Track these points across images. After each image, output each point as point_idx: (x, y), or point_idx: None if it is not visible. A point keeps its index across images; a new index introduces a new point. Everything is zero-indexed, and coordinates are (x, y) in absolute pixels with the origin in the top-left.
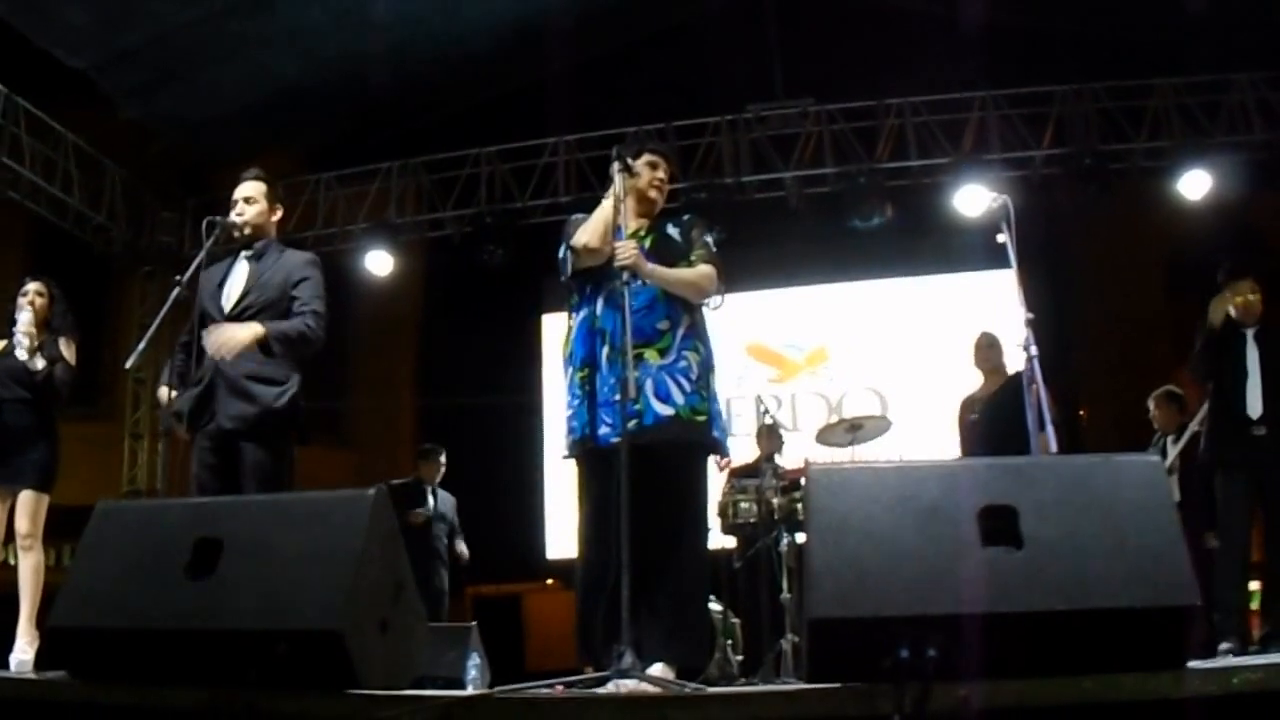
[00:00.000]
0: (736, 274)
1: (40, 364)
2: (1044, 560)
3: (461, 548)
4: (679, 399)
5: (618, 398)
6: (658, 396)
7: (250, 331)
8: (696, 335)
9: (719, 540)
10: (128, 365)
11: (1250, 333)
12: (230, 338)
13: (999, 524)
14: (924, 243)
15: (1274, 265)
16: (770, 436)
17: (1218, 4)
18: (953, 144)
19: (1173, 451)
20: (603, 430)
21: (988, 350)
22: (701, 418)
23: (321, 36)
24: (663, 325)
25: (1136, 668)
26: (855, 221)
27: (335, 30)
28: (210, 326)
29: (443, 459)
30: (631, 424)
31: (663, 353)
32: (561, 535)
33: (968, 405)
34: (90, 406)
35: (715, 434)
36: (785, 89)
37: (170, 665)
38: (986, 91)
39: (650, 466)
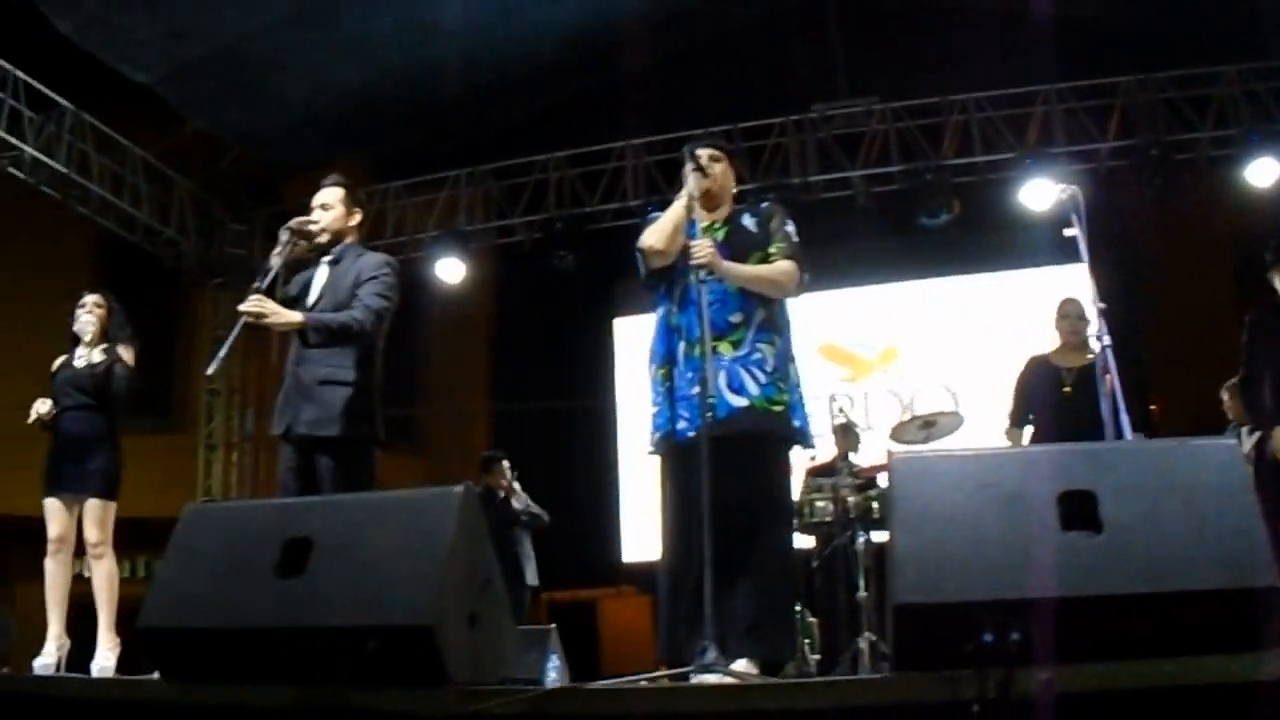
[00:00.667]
0: (808, 274)
1: (99, 357)
2: (1123, 544)
3: (538, 511)
4: (753, 390)
5: (694, 391)
6: (731, 389)
7: (286, 317)
8: (773, 327)
9: (797, 539)
10: (209, 372)
11: None
12: (274, 311)
13: (1078, 509)
14: (991, 239)
15: None
16: (846, 435)
17: None
18: (1018, 139)
19: (1248, 442)
20: (681, 425)
21: (1078, 321)
22: (778, 408)
23: (387, 45)
24: (735, 319)
25: (1216, 650)
26: (923, 219)
27: (401, 38)
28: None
29: (505, 464)
30: (707, 417)
31: (736, 345)
32: (637, 538)
33: (1052, 373)
34: (163, 418)
35: (795, 424)
36: (849, 88)
37: (261, 664)
38: (1050, 85)
39: (727, 459)
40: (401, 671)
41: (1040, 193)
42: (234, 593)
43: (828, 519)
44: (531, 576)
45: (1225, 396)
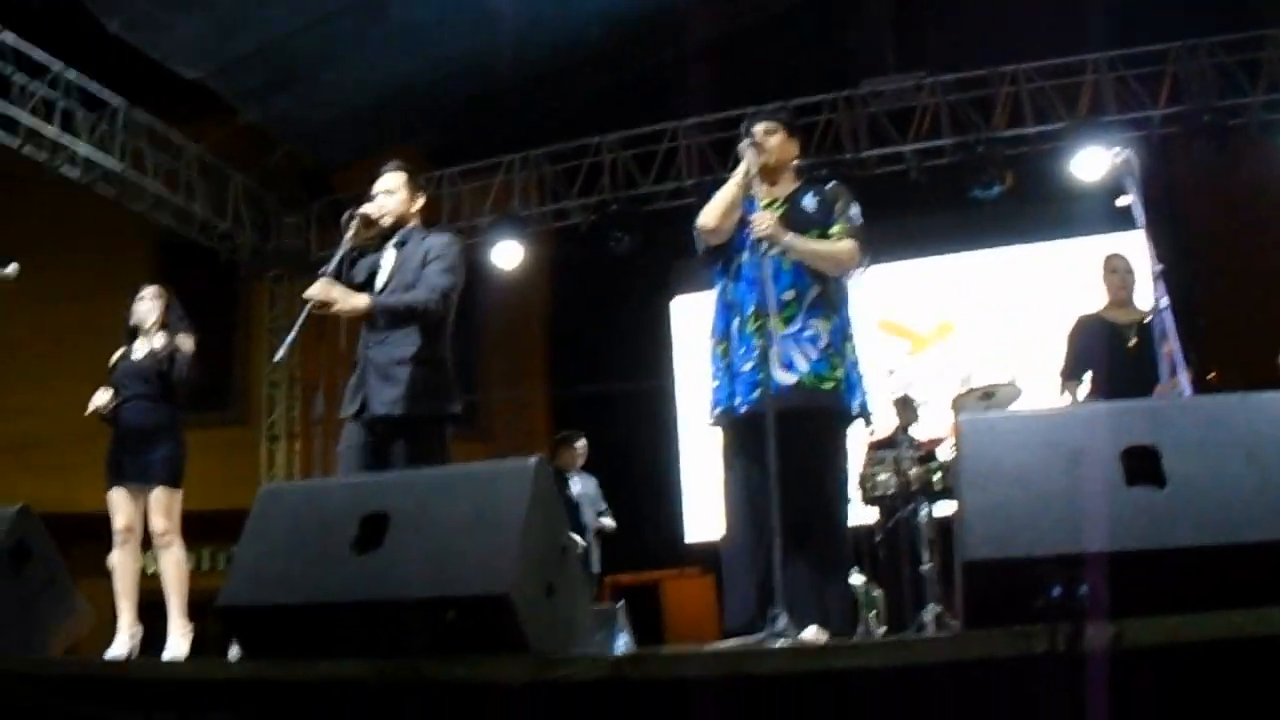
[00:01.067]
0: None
1: (160, 341)
2: (1187, 497)
3: (607, 522)
4: (803, 366)
5: (746, 367)
6: (782, 365)
7: (353, 302)
8: (827, 304)
9: (862, 512)
10: (276, 359)
11: None
12: (340, 297)
13: (1141, 464)
14: (1045, 209)
15: None
16: (905, 408)
17: None
18: (1069, 109)
19: None
20: (736, 400)
21: (1126, 275)
22: (828, 385)
23: (437, 33)
24: (788, 296)
25: None
26: (976, 191)
27: (450, 26)
28: (325, 281)
29: (579, 445)
30: (756, 393)
31: (787, 322)
32: (700, 519)
33: (1108, 329)
34: (222, 411)
35: (849, 401)
36: (898, 63)
37: (341, 638)
38: (1100, 54)
39: (780, 434)
40: (480, 642)
41: (1092, 162)
42: (312, 569)
43: (890, 492)
44: (595, 563)
45: None
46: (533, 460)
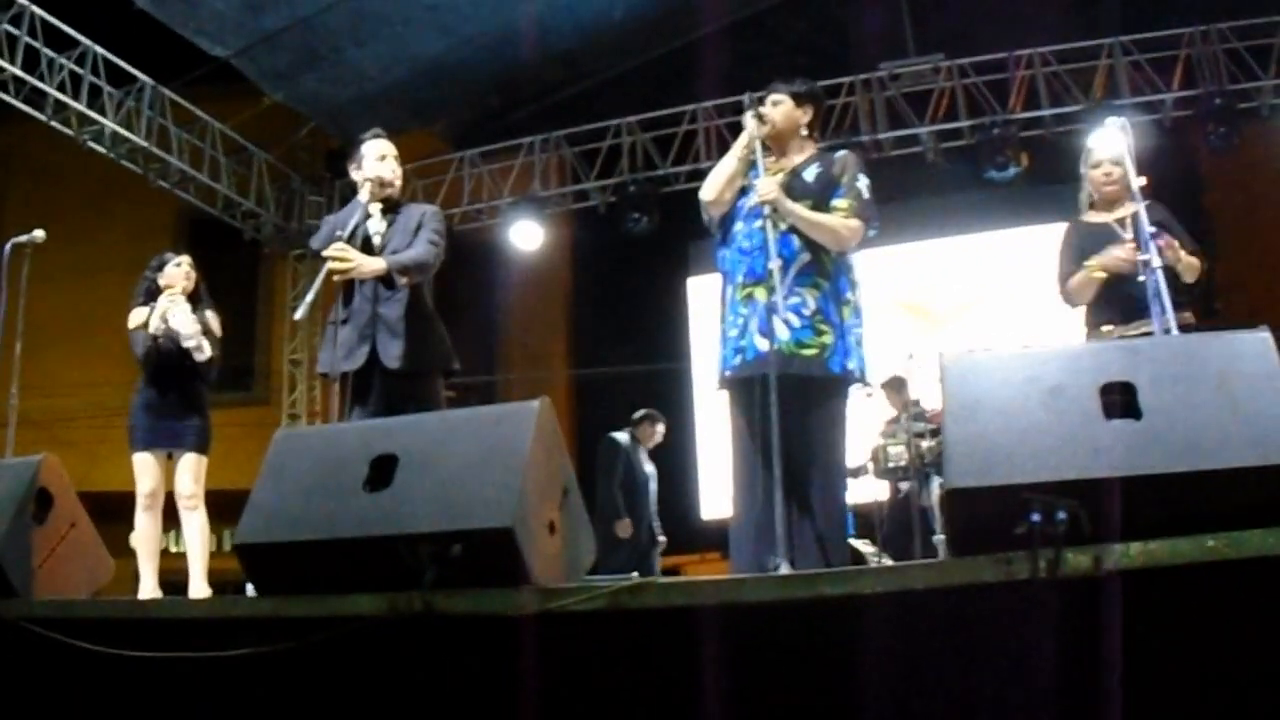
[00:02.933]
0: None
1: (194, 329)
2: (1162, 428)
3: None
4: (783, 335)
5: (733, 334)
6: (760, 332)
7: (371, 265)
8: (818, 271)
9: (876, 485)
10: (297, 316)
11: None
12: (361, 262)
13: (1119, 398)
14: (1060, 190)
15: None
16: (898, 390)
17: None
18: (1083, 92)
19: None
20: (723, 367)
21: (1113, 166)
22: (809, 351)
23: (461, 13)
24: (774, 264)
25: (1256, 525)
26: (991, 173)
27: (475, 7)
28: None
29: (660, 426)
30: (737, 359)
31: (771, 291)
32: (717, 498)
33: (1106, 231)
34: (245, 391)
35: (834, 367)
36: (916, 46)
37: (351, 573)
38: (1114, 38)
39: (766, 400)
40: (485, 575)
41: (1104, 142)
42: (324, 507)
43: (902, 464)
44: (659, 531)
45: None
46: (536, 402)
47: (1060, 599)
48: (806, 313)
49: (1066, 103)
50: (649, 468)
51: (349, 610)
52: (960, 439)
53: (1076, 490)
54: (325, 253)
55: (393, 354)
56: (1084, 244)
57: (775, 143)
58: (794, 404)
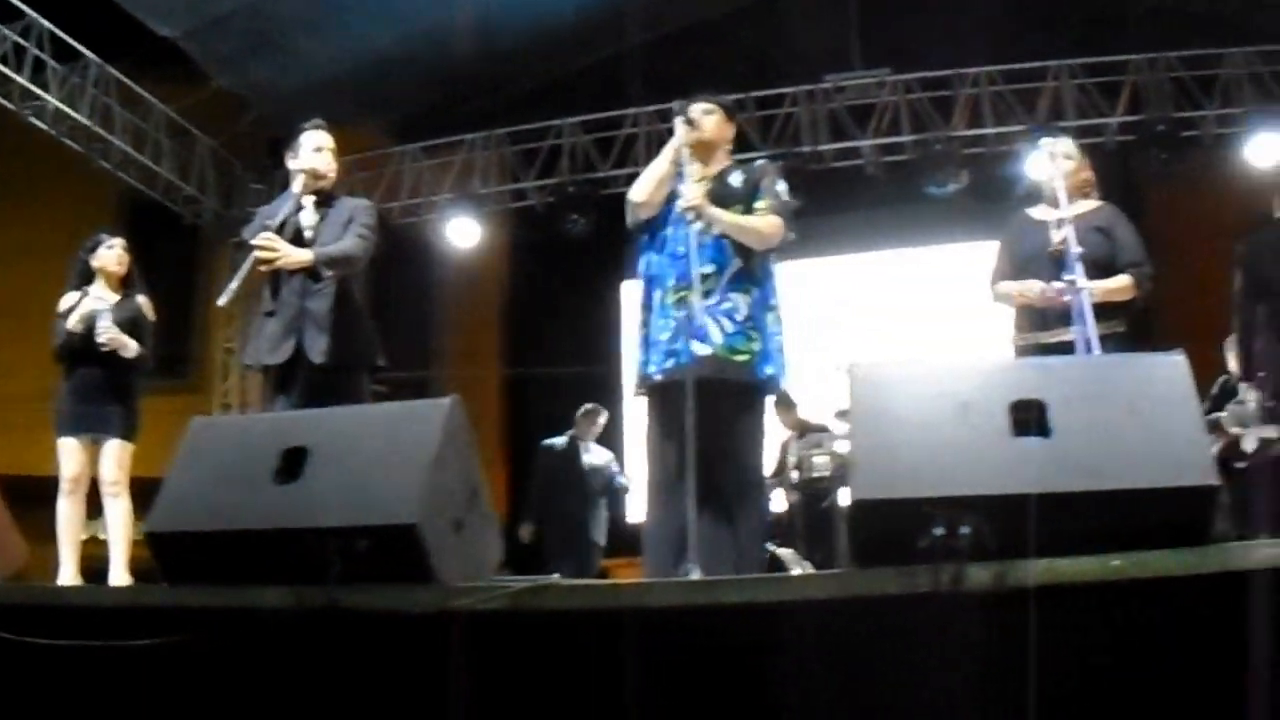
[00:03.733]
0: (814, 240)
1: (120, 300)
2: (1071, 447)
3: (622, 480)
4: (717, 339)
5: (664, 337)
6: (695, 337)
7: (298, 256)
8: (749, 278)
9: (798, 494)
10: (221, 302)
11: None
12: (288, 253)
13: (1028, 416)
14: (999, 207)
15: None
16: (785, 408)
17: None
18: (1028, 112)
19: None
20: (651, 369)
21: (1064, 160)
22: (741, 357)
23: (413, 6)
24: (708, 269)
25: (1161, 546)
26: (931, 188)
27: (423, 1)
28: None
29: (601, 419)
30: (670, 362)
31: (707, 294)
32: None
33: (1040, 228)
34: (180, 379)
35: (760, 374)
36: (863, 59)
37: (258, 565)
38: (1062, 61)
39: (694, 404)
40: (390, 571)
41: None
42: (234, 498)
43: (826, 473)
44: (599, 535)
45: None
46: (446, 400)
47: (967, 615)
48: (739, 318)
49: (1010, 122)
50: (598, 460)
51: (255, 602)
52: (866, 451)
53: (983, 506)
54: (253, 242)
55: (318, 349)
56: (1021, 244)
57: (702, 151)
58: (719, 409)
